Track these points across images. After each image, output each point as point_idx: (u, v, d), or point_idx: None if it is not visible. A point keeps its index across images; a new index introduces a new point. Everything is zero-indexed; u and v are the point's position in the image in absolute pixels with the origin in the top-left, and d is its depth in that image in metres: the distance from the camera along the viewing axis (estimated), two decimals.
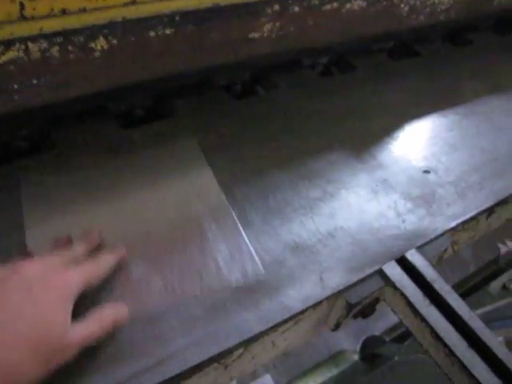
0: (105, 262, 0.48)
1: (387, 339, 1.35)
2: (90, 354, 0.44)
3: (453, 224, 0.64)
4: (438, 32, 1.09)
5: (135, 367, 0.45)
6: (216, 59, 0.67)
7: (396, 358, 1.19)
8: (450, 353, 0.51)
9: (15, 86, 0.55)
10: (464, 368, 0.50)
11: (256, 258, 0.55)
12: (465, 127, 0.83)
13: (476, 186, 0.71)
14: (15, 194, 0.59)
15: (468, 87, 0.94)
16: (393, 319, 1.40)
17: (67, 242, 0.52)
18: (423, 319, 0.53)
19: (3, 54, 0.52)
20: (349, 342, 1.26)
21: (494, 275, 1.71)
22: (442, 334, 0.52)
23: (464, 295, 1.53)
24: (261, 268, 0.54)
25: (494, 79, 0.98)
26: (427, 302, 0.55)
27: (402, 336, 1.34)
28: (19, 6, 0.50)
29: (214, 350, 0.47)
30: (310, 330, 0.59)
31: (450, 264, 0.57)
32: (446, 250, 0.63)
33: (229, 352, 0.48)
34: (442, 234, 0.63)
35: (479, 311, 1.54)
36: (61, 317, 0.40)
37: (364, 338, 1.35)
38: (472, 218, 0.67)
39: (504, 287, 1.81)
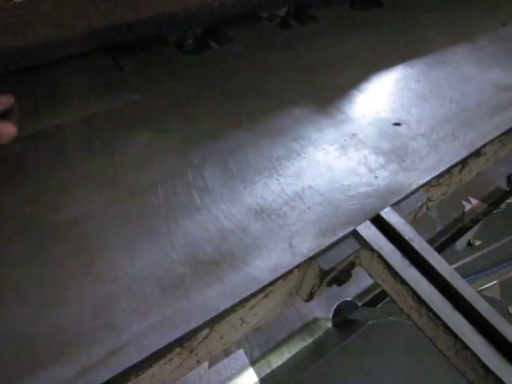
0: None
1: (359, 304, 1.33)
2: (30, 351, 0.38)
3: (428, 178, 0.59)
4: None
5: (85, 360, 0.38)
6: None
7: (369, 323, 1.17)
8: (435, 316, 0.47)
9: None
10: (449, 331, 0.46)
11: None
12: (433, 78, 0.78)
13: (449, 137, 0.66)
14: None
15: (434, 37, 0.89)
16: (365, 283, 1.38)
17: None
18: (404, 282, 0.49)
19: None
20: (321, 309, 1.23)
21: (460, 233, 1.72)
22: (424, 297, 0.48)
23: None
24: None
25: (459, 29, 0.93)
26: (407, 262, 0.50)
27: (375, 300, 1.32)
28: None
29: (174, 334, 0.41)
30: (281, 302, 0.53)
31: (417, 224, 0.55)
32: (421, 206, 0.59)
33: (192, 334, 0.42)
34: (416, 190, 0.58)
35: None
36: None
37: (336, 304, 1.32)
38: (446, 172, 0.63)
39: (469, 244, 1.83)
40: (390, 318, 1.15)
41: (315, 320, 1.18)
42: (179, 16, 0.70)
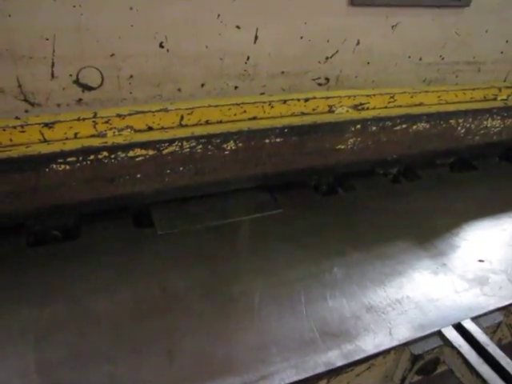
0: None
1: None
2: None
3: (505, 303, 0.76)
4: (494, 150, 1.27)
5: (247, 378, 0.60)
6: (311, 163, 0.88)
7: None
8: None
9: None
10: None
11: None
12: None
13: None
14: None
15: None
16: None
17: None
18: (479, 375, 0.64)
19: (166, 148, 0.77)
20: None
21: None
22: None
23: None
24: None
25: None
26: (481, 360, 0.66)
27: None
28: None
29: (304, 374, 0.61)
30: (379, 380, 0.71)
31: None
32: (499, 324, 0.74)
33: (315, 380, 0.62)
34: (494, 310, 0.75)
35: None
36: None
37: None
38: None
39: None
40: None
41: None
42: (318, 168, 0.99)
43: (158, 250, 0.80)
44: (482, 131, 1.08)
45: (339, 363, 0.63)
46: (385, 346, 0.66)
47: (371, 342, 0.66)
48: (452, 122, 1.02)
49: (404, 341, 0.67)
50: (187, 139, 0.79)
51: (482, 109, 1.05)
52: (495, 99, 1.10)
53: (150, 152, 0.77)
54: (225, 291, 0.73)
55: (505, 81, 1.20)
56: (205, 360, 0.62)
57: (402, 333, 0.68)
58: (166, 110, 0.80)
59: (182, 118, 0.82)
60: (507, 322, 0.78)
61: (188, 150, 0.79)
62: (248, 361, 0.62)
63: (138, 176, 0.79)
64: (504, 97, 1.11)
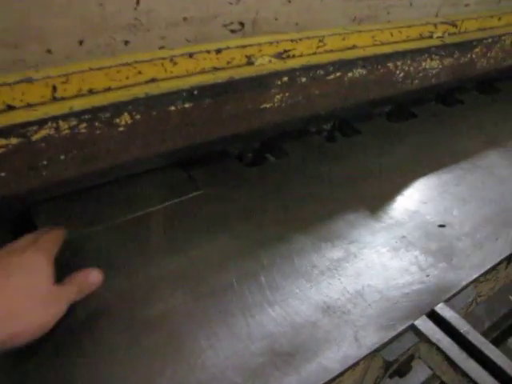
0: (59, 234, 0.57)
1: None
2: None
3: (476, 275, 0.65)
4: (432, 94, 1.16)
5: None
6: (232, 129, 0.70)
7: None
8: None
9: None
10: None
11: None
12: (470, 181, 0.86)
13: (491, 236, 0.72)
14: None
15: (466, 144, 0.98)
16: (421, 376, 1.37)
17: None
18: (464, 374, 0.53)
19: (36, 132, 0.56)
20: None
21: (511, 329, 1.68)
22: None
23: None
24: None
25: (488, 135, 1.02)
26: (465, 355, 0.54)
27: None
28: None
29: None
30: None
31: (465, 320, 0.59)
32: (472, 301, 0.63)
33: None
34: (466, 286, 0.63)
35: None
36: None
37: None
38: (493, 268, 0.68)
39: None
40: None
41: None
42: (241, 134, 0.81)
43: None
44: (421, 74, 0.95)
45: None
46: (353, 359, 0.52)
47: (335, 356, 0.52)
48: (390, 65, 0.87)
49: (374, 347, 0.53)
50: (65, 117, 0.58)
51: (419, 48, 0.91)
52: (431, 37, 0.97)
53: (14, 141, 0.55)
54: (137, 316, 0.55)
55: (437, 16, 1.08)
56: None
57: (371, 336, 0.54)
58: (29, 81, 0.58)
59: (54, 88, 0.60)
60: (477, 292, 0.68)
61: (68, 131, 0.58)
62: None
63: (2, 175, 0.57)
64: (440, 34, 0.99)
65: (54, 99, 0.60)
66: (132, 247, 0.64)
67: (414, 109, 1.07)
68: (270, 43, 0.75)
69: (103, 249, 0.63)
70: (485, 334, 1.62)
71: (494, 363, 0.53)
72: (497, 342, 1.64)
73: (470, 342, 0.56)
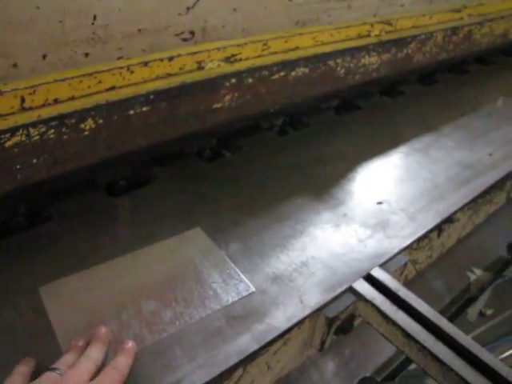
0: (125, 366, 0.52)
1: (378, 379, 1.39)
2: None
3: (407, 242, 0.74)
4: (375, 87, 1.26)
5: None
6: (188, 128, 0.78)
7: None
8: (422, 347, 0.59)
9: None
10: (436, 358, 0.58)
11: (245, 278, 0.65)
12: (408, 162, 0.96)
13: (423, 209, 0.82)
14: None
15: (406, 130, 1.08)
16: (382, 358, 1.45)
17: (83, 345, 0.54)
18: (394, 323, 0.62)
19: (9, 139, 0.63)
20: None
21: (469, 303, 1.79)
22: (412, 333, 0.60)
23: None
24: (251, 286, 0.63)
25: (426, 121, 1.13)
26: (395, 308, 0.63)
27: (393, 374, 1.39)
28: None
29: (215, 371, 0.54)
30: (299, 352, 0.66)
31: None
32: (405, 264, 0.72)
33: (229, 373, 0.55)
34: (399, 252, 0.72)
35: None
36: None
37: (356, 380, 1.38)
38: (424, 236, 0.77)
39: (481, 314, 1.89)
40: None
41: None
42: (197, 133, 0.89)
43: None
44: (361, 69, 1.05)
45: (252, 348, 0.56)
46: (297, 317, 0.60)
47: (282, 316, 0.60)
48: (331, 63, 0.96)
49: (317, 306, 0.62)
50: (34, 125, 0.65)
51: (358, 46, 1.01)
52: (369, 35, 1.07)
53: None
54: None
55: (375, 16, 1.18)
56: None
57: (314, 298, 0.63)
58: None
59: (23, 99, 0.67)
60: (411, 258, 0.77)
61: (38, 137, 0.66)
62: (150, 371, 0.53)
63: None
64: (377, 32, 1.08)
65: (23, 109, 0.67)
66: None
67: (359, 102, 1.17)
68: (218, 49, 0.83)
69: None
70: (444, 309, 1.73)
71: (420, 313, 0.62)
72: (456, 315, 1.75)
73: (400, 298, 0.65)
